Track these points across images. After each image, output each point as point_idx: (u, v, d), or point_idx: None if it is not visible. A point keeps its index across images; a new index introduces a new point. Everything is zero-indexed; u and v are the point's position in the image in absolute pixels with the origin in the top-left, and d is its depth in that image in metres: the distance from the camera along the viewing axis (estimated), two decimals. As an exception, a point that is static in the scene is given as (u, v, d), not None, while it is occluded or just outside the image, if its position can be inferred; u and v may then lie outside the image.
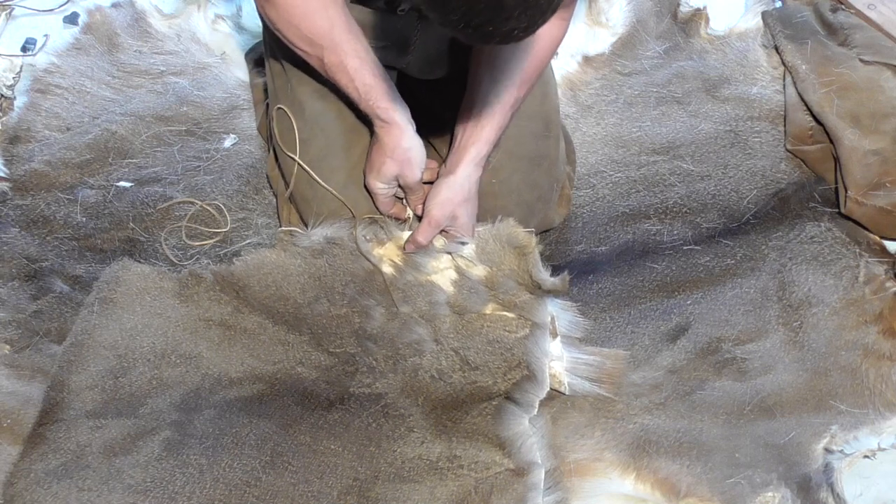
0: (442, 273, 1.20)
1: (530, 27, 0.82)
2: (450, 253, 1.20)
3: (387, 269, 1.20)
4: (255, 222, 1.44)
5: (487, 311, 1.19)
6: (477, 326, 1.18)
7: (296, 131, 1.28)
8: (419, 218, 1.23)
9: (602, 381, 1.20)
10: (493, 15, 0.78)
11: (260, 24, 1.72)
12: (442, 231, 1.22)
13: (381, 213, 1.25)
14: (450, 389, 1.14)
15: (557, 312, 1.23)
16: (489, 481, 1.06)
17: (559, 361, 1.19)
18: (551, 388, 1.17)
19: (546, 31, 1.22)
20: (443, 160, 1.26)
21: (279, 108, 1.31)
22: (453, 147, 1.22)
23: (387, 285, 1.19)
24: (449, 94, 1.33)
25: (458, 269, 1.20)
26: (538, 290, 1.19)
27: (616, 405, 1.19)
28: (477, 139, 1.19)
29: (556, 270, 1.22)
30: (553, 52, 1.25)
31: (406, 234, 1.22)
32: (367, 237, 1.22)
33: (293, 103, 1.29)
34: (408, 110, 1.19)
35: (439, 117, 1.34)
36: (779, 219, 1.43)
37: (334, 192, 1.25)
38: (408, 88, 1.38)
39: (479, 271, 1.20)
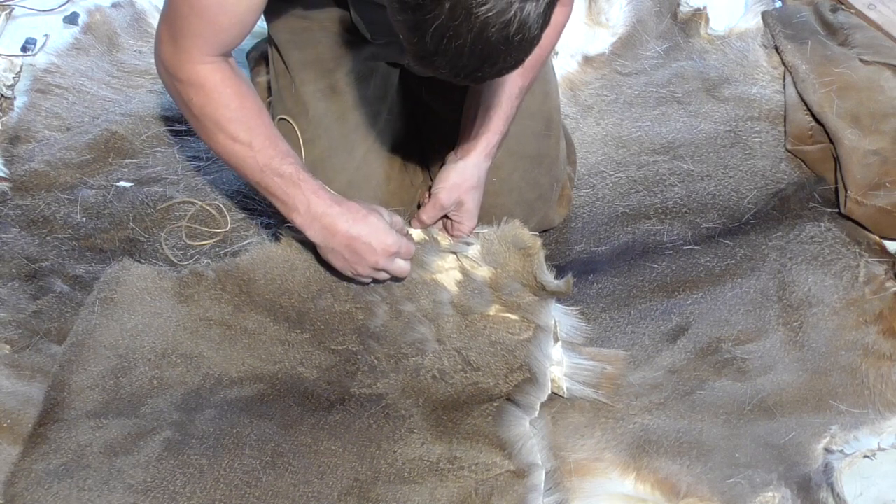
0: (447, 273, 1.20)
1: (518, 62, 0.84)
2: (455, 253, 1.21)
3: None
4: (256, 222, 1.44)
5: (491, 313, 1.19)
6: (480, 327, 1.17)
7: (299, 132, 1.28)
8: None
9: (601, 385, 1.20)
10: (481, 63, 0.81)
11: (261, 24, 1.72)
12: (446, 217, 1.22)
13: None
14: (451, 390, 1.14)
15: (559, 317, 1.22)
16: (490, 483, 1.06)
17: (559, 366, 1.19)
18: (551, 391, 1.17)
19: None
20: (442, 159, 1.26)
21: (281, 118, 1.31)
22: (463, 135, 1.22)
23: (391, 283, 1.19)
24: (450, 93, 1.32)
25: (463, 270, 1.20)
26: (542, 292, 1.19)
27: (616, 405, 1.19)
28: (487, 129, 1.20)
29: (556, 270, 1.22)
30: (557, 38, 1.24)
31: (414, 231, 1.22)
32: None
33: (297, 103, 1.29)
34: None
35: (440, 116, 1.34)
36: (779, 219, 1.43)
37: (338, 193, 1.25)
38: (408, 87, 1.38)
39: (483, 272, 1.20)
